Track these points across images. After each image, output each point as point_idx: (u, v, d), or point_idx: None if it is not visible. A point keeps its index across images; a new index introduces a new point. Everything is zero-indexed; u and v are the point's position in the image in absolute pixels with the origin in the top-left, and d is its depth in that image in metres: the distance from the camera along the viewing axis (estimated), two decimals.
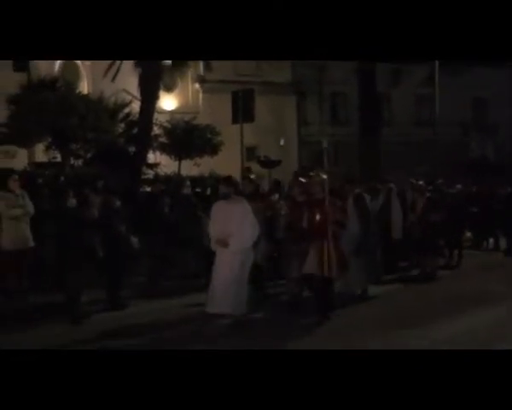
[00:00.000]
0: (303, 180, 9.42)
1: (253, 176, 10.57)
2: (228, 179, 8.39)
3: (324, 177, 8.32)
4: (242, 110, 17.07)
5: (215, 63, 22.80)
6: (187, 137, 19.69)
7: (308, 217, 8.31)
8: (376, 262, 10.20)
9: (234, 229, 7.74)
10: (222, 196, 8.09)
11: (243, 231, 7.78)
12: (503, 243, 15.36)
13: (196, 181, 15.72)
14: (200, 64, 25.84)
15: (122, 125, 18.75)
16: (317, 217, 8.11)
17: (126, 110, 19.22)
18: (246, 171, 14.14)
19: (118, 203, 9.09)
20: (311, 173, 9.64)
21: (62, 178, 12.24)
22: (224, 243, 7.74)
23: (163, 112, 23.27)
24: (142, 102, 17.90)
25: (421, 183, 12.35)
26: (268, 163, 21.92)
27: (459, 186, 15.81)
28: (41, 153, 17.56)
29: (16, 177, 9.10)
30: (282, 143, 27.27)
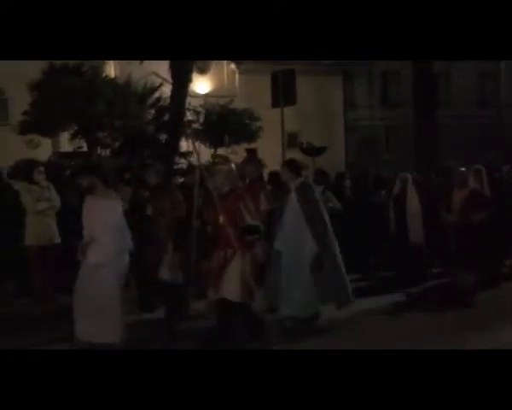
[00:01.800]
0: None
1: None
2: (88, 166, 7.37)
3: (232, 165, 6.89)
4: (283, 92, 17.07)
5: None
6: (222, 122, 19.84)
7: (209, 218, 7.02)
8: (340, 278, 7.64)
9: (96, 234, 6.57)
10: (86, 190, 6.86)
11: (104, 237, 6.53)
12: None
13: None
14: None
15: (152, 110, 18.99)
16: (221, 219, 6.54)
17: (156, 95, 19.45)
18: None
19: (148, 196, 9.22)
20: (216, 159, 8.05)
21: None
22: (81, 253, 6.64)
23: (196, 96, 23.46)
24: (174, 85, 18.02)
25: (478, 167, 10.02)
26: (311, 151, 21.88)
27: None
28: (66, 142, 17.95)
29: (42, 168, 9.25)
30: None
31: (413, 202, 10.06)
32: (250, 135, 20.36)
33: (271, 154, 19.26)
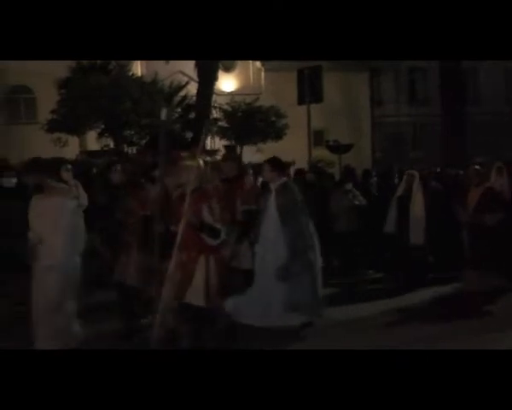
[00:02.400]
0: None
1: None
2: (32, 163, 6.84)
3: (200, 161, 6.21)
4: (309, 90, 17.05)
5: None
6: (248, 120, 19.82)
7: (171, 218, 6.42)
8: (311, 291, 6.93)
9: (46, 235, 6.11)
10: (33, 189, 6.43)
11: (54, 238, 6.10)
12: None
13: (260, 169, 15.84)
14: None
15: (178, 109, 19.08)
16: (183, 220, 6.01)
17: (182, 93, 19.54)
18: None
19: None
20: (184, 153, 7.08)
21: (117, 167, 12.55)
22: (31, 255, 6.25)
23: (222, 94, 23.53)
24: (200, 83, 18.17)
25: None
26: (338, 148, 21.78)
27: None
28: (93, 141, 18.11)
29: (69, 166, 9.35)
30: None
31: (417, 201, 9.38)
32: (276, 133, 20.33)
33: (298, 151, 19.24)
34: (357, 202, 9.60)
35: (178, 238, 5.92)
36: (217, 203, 6.10)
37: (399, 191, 9.55)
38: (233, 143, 20.41)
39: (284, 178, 7.25)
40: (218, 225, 6.00)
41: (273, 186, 7.14)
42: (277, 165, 7.19)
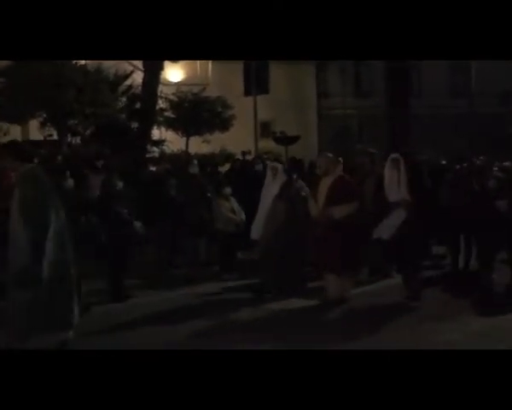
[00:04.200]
0: None
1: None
2: None
3: None
4: (256, 81, 17.07)
5: None
6: (195, 111, 19.76)
7: None
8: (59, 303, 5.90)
9: None
10: None
11: None
12: None
13: (206, 159, 15.78)
14: None
15: (123, 98, 18.82)
16: None
17: (128, 82, 19.27)
18: None
19: (120, 184, 9.14)
20: None
21: (59, 158, 12.32)
22: None
23: (168, 84, 23.31)
24: (145, 72, 17.94)
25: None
26: (285, 139, 21.89)
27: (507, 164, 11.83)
28: (35, 130, 17.69)
29: None
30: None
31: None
32: (223, 124, 20.29)
33: (245, 143, 19.24)
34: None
35: None
36: None
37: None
38: (179, 133, 20.29)
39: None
40: None
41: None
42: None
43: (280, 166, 9.67)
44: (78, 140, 16.97)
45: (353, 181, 8.45)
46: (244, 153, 16.83)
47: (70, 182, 9.13)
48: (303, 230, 8.64)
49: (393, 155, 8.57)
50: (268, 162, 9.62)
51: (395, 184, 8.26)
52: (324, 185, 8.15)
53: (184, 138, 20.16)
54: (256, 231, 9.38)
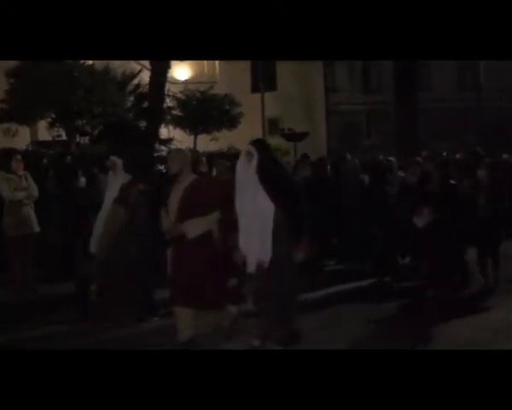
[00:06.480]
0: None
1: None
2: None
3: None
4: (263, 78, 17.09)
5: None
6: (203, 108, 19.77)
7: None
8: None
9: None
10: None
11: None
12: None
13: (214, 157, 15.79)
14: None
15: (131, 97, 18.90)
16: None
17: (135, 81, 19.35)
18: None
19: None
20: None
21: (68, 158, 12.40)
22: None
23: (176, 82, 23.34)
24: (153, 71, 17.99)
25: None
26: (293, 136, 21.87)
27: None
28: (44, 131, 17.79)
29: (19, 157, 9.22)
30: None
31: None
32: (231, 121, 20.31)
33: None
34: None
35: None
36: None
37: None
38: (187, 131, 20.34)
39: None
40: None
41: None
42: None
43: (119, 162, 7.66)
44: (86, 140, 17.05)
45: (216, 184, 7.02)
46: None
47: (82, 181, 9.20)
48: (144, 243, 7.24)
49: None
50: (111, 157, 7.80)
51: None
52: (177, 191, 6.10)
53: (192, 136, 20.19)
54: (94, 243, 7.67)
